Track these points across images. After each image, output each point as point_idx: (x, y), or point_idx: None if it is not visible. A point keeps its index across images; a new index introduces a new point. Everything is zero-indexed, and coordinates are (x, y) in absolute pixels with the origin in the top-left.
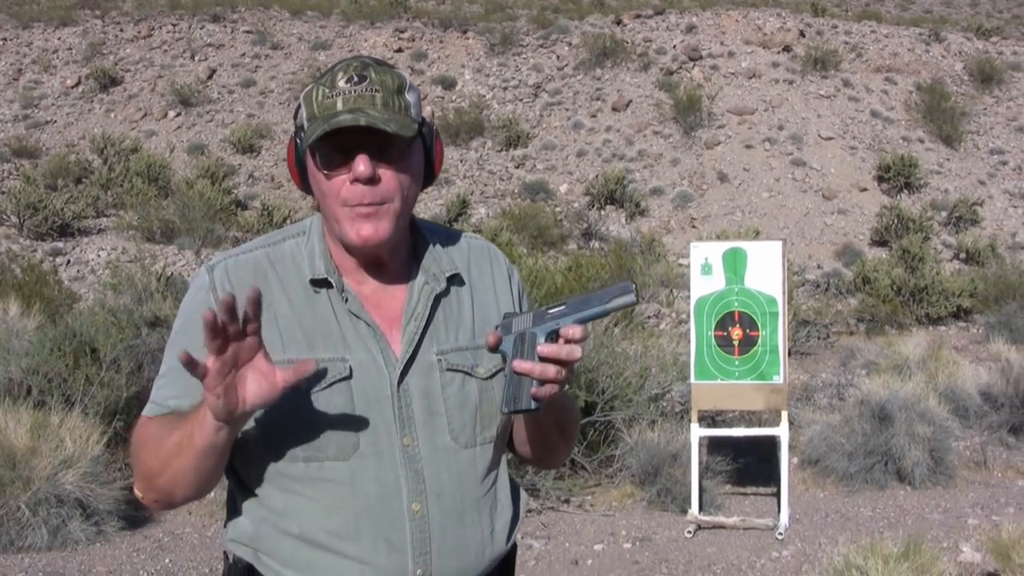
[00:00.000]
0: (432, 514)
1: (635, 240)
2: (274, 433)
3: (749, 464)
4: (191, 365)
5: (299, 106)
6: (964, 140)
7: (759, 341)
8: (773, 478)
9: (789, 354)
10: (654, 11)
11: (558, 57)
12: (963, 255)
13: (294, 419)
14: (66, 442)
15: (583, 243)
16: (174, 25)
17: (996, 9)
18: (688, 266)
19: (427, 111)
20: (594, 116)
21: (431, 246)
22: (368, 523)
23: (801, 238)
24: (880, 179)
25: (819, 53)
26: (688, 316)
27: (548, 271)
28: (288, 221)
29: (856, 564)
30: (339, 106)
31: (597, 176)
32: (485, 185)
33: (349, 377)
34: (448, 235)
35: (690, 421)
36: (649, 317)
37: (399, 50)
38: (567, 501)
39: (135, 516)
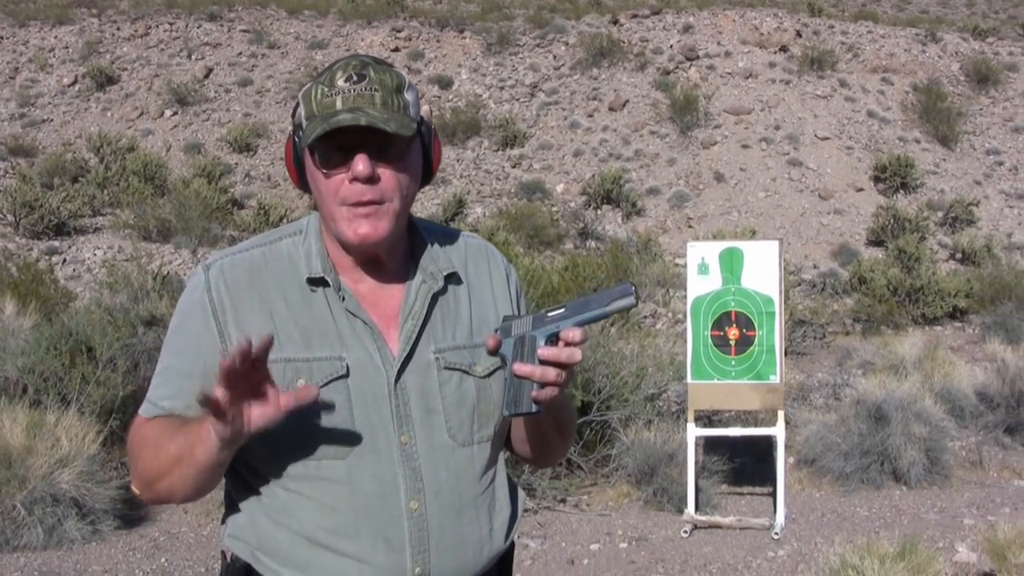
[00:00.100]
0: (430, 512)
1: (631, 240)
2: (272, 432)
3: (745, 464)
4: (207, 402)
5: (297, 104)
6: (960, 140)
7: (755, 341)
8: (769, 478)
9: (785, 354)
10: (651, 11)
11: (555, 57)
12: (959, 255)
13: (291, 418)
14: (62, 441)
15: (579, 243)
16: (171, 24)
17: (992, 10)
18: (684, 266)
19: (424, 110)
20: (591, 116)
21: (429, 245)
22: (366, 521)
23: (797, 238)
24: (876, 179)
25: (816, 53)
26: (684, 316)
27: (544, 271)
28: (284, 220)
29: (852, 564)
30: (338, 105)
31: (594, 176)
32: (482, 185)
33: (346, 376)
34: (446, 234)
35: (686, 421)
36: (645, 317)
37: (396, 49)
38: (563, 501)
39: (131, 515)
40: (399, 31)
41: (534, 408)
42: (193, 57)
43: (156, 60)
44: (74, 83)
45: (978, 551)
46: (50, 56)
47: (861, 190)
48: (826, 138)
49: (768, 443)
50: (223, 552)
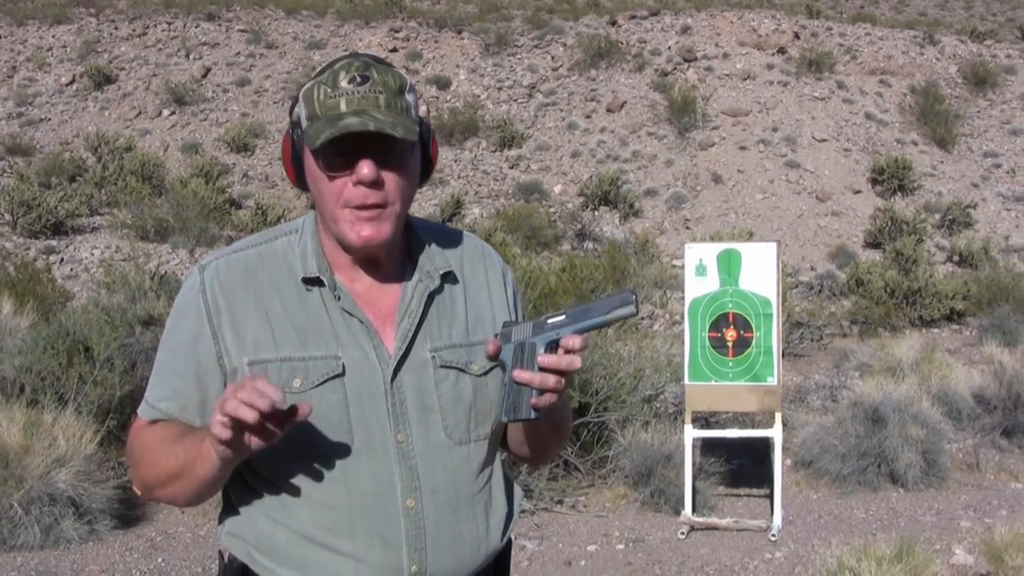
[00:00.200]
0: (427, 510)
1: (629, 241)
2: None
3: (742, 465)
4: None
5: (295, 102)
6: (958, 143)
7: (753, 342)
8: (766, 479)
9: (783, 356)
10: (649, 12)
11: (553, 58)
12: (956, 258)
13: None
14: (59, 441)
15: (577, 244)
16: (169, 23)
17: (990, 12)
18: (682, 267)
19: (422, 110)
20: (588, 117)
21: (425, 244)
22: (363, 520)
23: (795, 240)
24: (874, 181)
25: (813, 55)
26: (682, 317)
27: (542, 272)
28: (282, 220)
29: (849, 566)
30: (343, 107)
31: (591, 177)
32: (479, 185)
33: (342, 374)
34: (442, 233)
35: (684, 422)
36: (643, 318)
37: (394, 50)
38: (560, 502)
39: (128, 515)
40: (397, 31)
41: (533, 415)
42: (191, 57)
43: (154, 60)
44: (72, 82)
45: (975, 553)
46: (48, 55)
47: (859, 192)
48: (824, 140)
49: (765, 445)
50: (220, 552)
